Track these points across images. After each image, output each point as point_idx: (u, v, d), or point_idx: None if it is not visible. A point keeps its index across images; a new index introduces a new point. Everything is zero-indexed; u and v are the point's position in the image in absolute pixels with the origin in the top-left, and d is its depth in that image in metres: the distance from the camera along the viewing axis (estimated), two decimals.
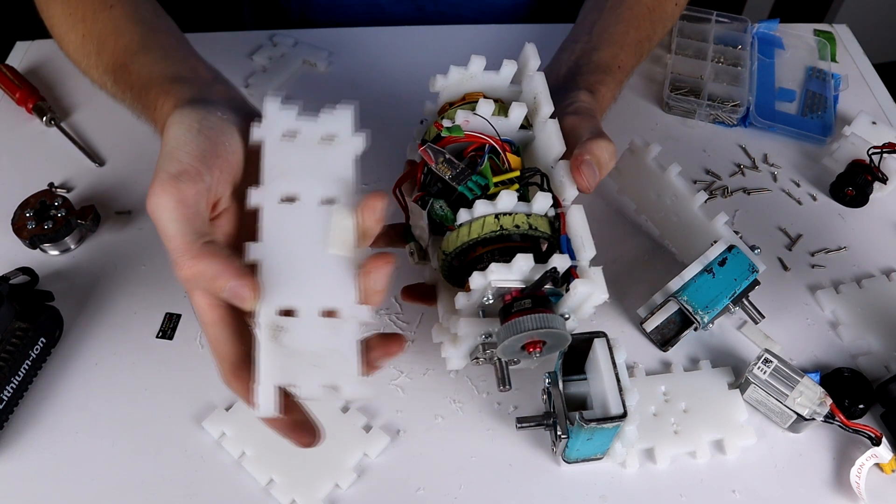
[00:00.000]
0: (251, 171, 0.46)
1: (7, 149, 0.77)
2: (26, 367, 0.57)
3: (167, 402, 0.58)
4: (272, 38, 0.87)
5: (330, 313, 0.42)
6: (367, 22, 0.92)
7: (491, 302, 0.49)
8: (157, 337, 0.62)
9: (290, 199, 0.44)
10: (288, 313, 0.42)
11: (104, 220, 0.70)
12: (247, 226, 0.46)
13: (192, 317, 0.63)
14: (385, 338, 0.45)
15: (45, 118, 0.77)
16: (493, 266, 0.46)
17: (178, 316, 0.63)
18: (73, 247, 0.68)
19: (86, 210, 0.67)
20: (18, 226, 0.66)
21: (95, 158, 0.75)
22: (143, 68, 0.53)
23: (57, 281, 0.65)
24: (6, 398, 0.55)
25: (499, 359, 0.51)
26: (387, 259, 0.42)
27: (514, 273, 0.46)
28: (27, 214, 0.66)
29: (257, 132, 0.45)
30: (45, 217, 0.66)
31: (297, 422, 0.44)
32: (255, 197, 0.44)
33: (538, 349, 0.48)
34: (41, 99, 0.78)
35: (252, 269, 0.42)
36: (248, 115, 0.49)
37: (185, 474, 0.54)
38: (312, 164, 0.46)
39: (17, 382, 0.56)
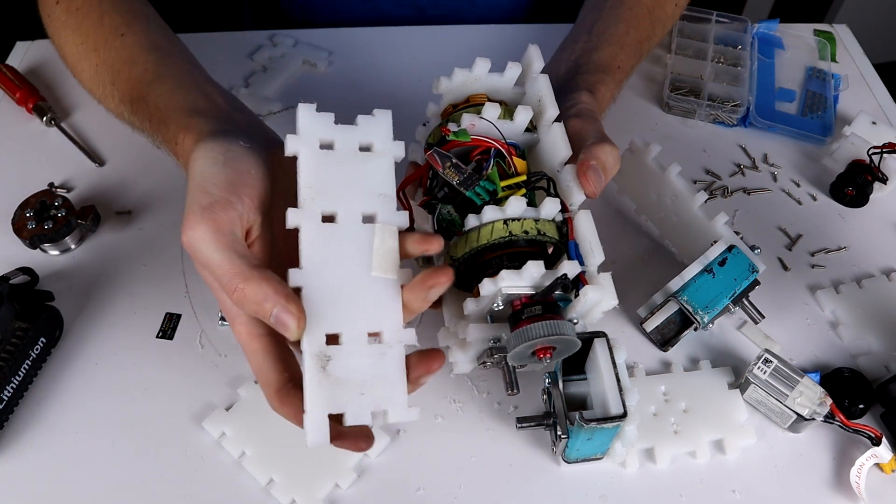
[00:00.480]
0: (285, 187, 0.46)
1: (7, 149, 0.77)
2: (26, 367, 0.57)
3: (167, 401, 0.58)
4: (272, 38, 0.87)
5: (374, 336, 0.42)
6: (368, 24, 0.92)
7: (500, 308, 0.48)
8: (157, 337, 0.62)
9: (329, 219, 0.43)
10: (333, 339, 0.41)
11: (104, 220, 0.70)
12: (279, 251, 0.46)
13: (193, 317, 0.63)
14: (425, 355, 0.45)
15: (45, 118, 0.77)
16: (504, 273, 0.46)
17: (178, 316, 0.63)
18: (73, 247, 0.68)
19: (86, 210, 0.67)
20: (18, 226, 0.66)
21: (95, 158, 0.75)
22: (160, 99, 0.53)
23: (57, 281, 0.65)
24: (6, 398, 0.55)
25: (506, 363, 0.51)
26: (448, 275, 0.43)
27: (525, 280, 0.46)
28: (27, 214, 0.66)
29: (292, 144, 0.43)
30: (45, 217, 0.66)
31: (353, 430, 0.44)
32: (293, 217, 0.42)
33: (548, 355, 0.48)
34: (41, 99, 0.78)
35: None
36: (268, 141, 0.49)
37: (185, 474, 0.54)
38: (351, 177, 0.44)
39: (17, 382, 0.56)
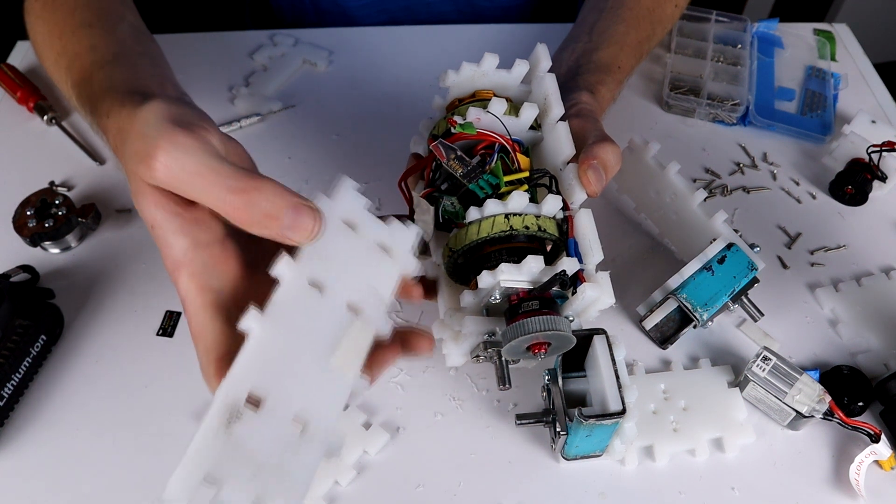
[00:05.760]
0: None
1: (8, 147, 0.77)
2: (27, 365, 0.57)
3: (167, 399, 0.58)
4: (273, 38, 0.88)
5: (300, 425, 0.38)
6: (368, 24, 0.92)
7: (497, 301, 0.49)
8: (157, 334, 0.62)
9: (316, 287, 0.40)
10: (255, 402, 0.36)
11: (105, 219, 0.70)
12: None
13: None
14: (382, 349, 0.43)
15: (45, 117, 0.77)
16: (504, 266, 0.46)
17: (178, 314, 0.63)
18: (73, 245, 0.68)
19: (86, 208, 0.68)
20: (19, 224, 0.66)
21: (96, 157, 0.75)
22: (105, 79, 0.50)
23: (57, 279, 0.65)
24: (7, 395, 0.56)
25: (499, 357, 0.51)
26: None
27: (524, 274, 0.47)
28: (28, 213, 0.66)
29: (320, 204, 0.40)
30: (45, 215, 0.66)
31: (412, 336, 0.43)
32: (281, 265, 0.38)
33: (543, 350, 0.48)
34: (42, 98, 0.78)
35: (239, 340, 0.37)
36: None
37: None
38: (356, 264, 0.41)
39: (17, 380, 0.56)
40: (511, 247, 0.49)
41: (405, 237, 0.44)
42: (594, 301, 0.49)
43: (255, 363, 0.37)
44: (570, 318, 0.50)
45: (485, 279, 0.46)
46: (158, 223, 0.40)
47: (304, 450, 0.37)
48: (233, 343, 0.39)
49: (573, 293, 0.48)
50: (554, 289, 0.47)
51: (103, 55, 0.54)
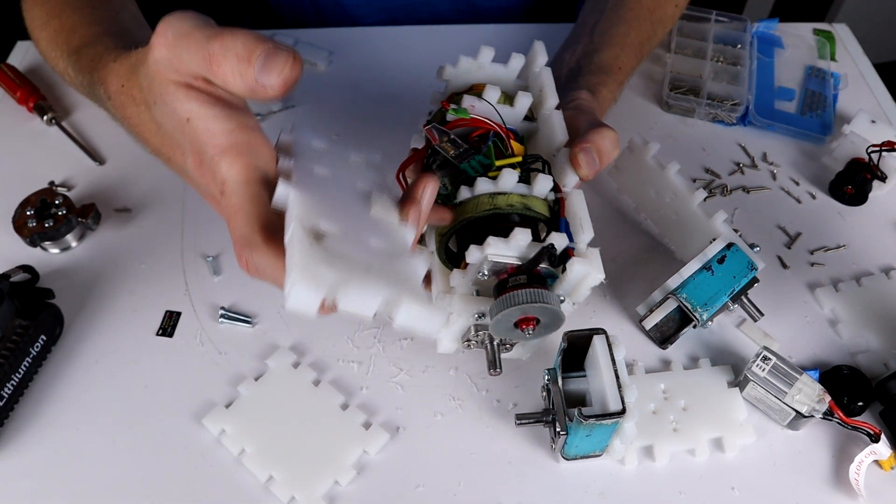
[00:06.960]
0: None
1: (8, 147, 0.77)
2: (27, 365, 0.57)
3: (167, 399, 0.58)
4: (272, 38, 0.87)
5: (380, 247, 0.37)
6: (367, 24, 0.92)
7: (486, 278, 0.48)
8: (157, 335, 0.62)
9: (323, 175, 0.41)
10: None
11: (104, 219, 0.70)
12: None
13: (192, 315, 0.63)
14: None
15: (45, 117, 0.77)
16: (491, 239, 0.46)
17: (178, 314, 0.63)
18: (73, 245, 0.68)
19: (86, 208, 0.68)
20: (19, 224, 0.66)
21: (96, 157, 0.75)
22: (112, 43, 0.50)
23: (57, 279, 0.65)
24: (6, 395, 0.55)
25: (490, 341, 0.51)
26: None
27: (512, 248, 0.46)
28: (28, 213, 0.66)
29: (285, 135, 0.42)
30: (45, 215, 0.66)
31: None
32: (283, 160, 0.39)
33: (531, 326, 0.48)
34: (42, 98, 0.78)
35: (281, 216, 0.36)
36: None
37: (185, 471, 0.54)
38: (345, 168, 0.43)
39: (17, 380, 0.56)
40: (501, 227, 0.49)
41: (373, 154, 0.46)
42: (584, 277, 0.48)
43: (310, 204, 0.36)
44: (562, 299, 0.50)
45: (473, 254, 0.46)
46: (195, 113, 0.39)
47: (399, 261, 0.36)
48: (276, 218, 0.38)
49: (563, 271, 0.48)
50: (543, 266, 0.47)
51: (107, 29, 0.54)
